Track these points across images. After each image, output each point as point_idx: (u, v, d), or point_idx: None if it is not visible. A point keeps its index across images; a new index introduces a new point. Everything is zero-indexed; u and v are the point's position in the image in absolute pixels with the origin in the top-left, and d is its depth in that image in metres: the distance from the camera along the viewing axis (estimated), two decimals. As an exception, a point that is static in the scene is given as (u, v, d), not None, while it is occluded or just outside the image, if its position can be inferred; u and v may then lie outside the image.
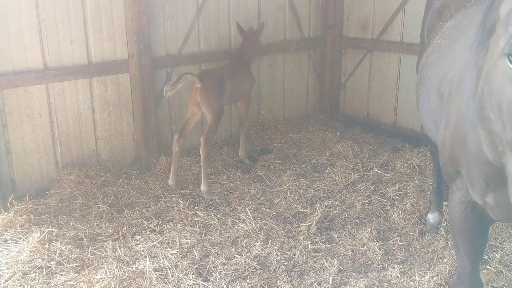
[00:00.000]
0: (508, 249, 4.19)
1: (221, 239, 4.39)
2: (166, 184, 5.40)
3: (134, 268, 3.90)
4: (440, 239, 4.37)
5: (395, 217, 4.77)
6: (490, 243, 4.26)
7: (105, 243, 4.26)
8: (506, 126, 1.76)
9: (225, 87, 5.47)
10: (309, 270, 3.97)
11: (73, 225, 4.55)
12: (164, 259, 4.04)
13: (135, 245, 4.27)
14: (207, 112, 5.31)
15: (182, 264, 3.98)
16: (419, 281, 3.79)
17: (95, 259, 4.05)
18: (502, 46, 1.74)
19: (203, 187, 5.25)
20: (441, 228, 4.53)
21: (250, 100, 6.13)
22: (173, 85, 4.96)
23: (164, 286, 3.72)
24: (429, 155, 5.79)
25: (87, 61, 5.32)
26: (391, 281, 3.84)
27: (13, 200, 4.82)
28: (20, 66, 4.88)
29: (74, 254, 4.08)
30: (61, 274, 3.84)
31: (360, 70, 7.40)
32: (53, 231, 4.36)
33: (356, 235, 4.47)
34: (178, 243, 4.27)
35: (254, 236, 4.41)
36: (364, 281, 3.79)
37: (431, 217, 4.64)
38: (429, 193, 5.03)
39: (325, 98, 7.74)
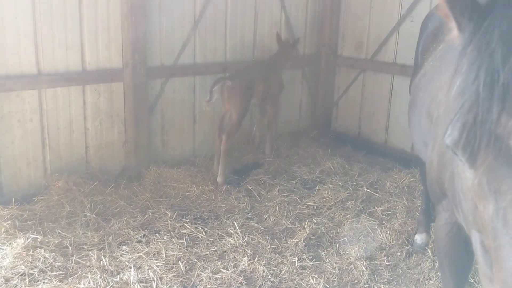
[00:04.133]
0: (494, 273, 4.18)
1: (207, 252, 4.35)
2: (155, 194, 5.37)
3: (118, 279, 3.86)
4: (427, 260, 4.38)
5: (383, 237, 4.77)
6: (477, 266, 4.25)
7: (90, 252, 4.21)
8: (467, 210, 1.70)
9: (255, 90, 5.96)
10: (295, 287, 3.95)
11: (59, 232, 4.49)
12: (149, 270, 4.00)
13: (121, 255, 4.23)
14: (233, 110, 5.81)
15: (167, 276, 3.94)
16: (404, 302, 3.78)
17: (79, 268, 4.00)
18: None
19: (219, 179, 5.72)
20: (428, 250, 4.53)
21: (278, 104, 6.70)
22: (209, 100, 5.57)
23: (148, 298, 3.68)
24: (418, 176, 5.81)
25: (81, 68, 5.32)
26: (377, 301, 3.82)
27: (-1, 205, 4.76)
28: (14, 70, 4.86)
29: (58, 262, 4.02)
30: (44, 282, 3.79)
31: (353, 89, 7.46)
32: (38, 238, 4.30)
33: (344, 253, 4.46)
34: (164, 255, 4.23)
35: (241, 250, 4.38)
36: (349, 300, 3.77)
37: (419, 238, 4.65)
38: (417, 214, 5.04)
39: (317, 115, 7.78)
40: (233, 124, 5.85)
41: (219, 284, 3.89)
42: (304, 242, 4.58)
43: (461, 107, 1.30)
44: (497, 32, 1.27)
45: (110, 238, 4.46)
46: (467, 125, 1.27)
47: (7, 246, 4.21)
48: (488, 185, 1.33)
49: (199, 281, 3.93)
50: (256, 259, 4.25)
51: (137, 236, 4.54)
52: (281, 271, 4.11)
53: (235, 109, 5.81)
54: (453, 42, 1.45)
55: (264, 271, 4.08)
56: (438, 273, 4.13)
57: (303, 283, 3.99)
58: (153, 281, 3.87)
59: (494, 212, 1.31)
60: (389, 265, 4.32)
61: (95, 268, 3.98)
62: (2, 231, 4.41)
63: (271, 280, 4.00)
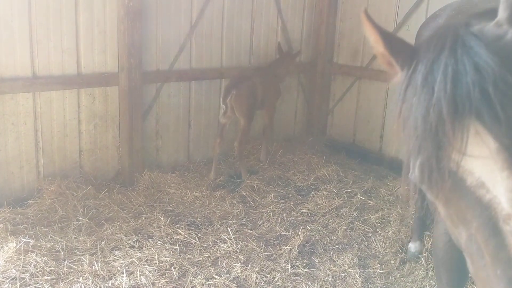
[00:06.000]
0: (487, 282, 4.18)
1: (200, 258, 4.33)
2: (148, 199, 5.35)
3: (110, 284, 3.82)
4: (421, 268, 4.37)
5: (377, 245, 4.76)
6: (470, 275, 4.25)
7: (82, 257, 4.18)
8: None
9: (257, 93, 6.05)
10: (288, 294, 3.93)
11: (51, 236, 4.46)
12: (141, 276, 3.97)
13: (113, 260, 4.20)
14: (241, 117, 5.90)
15: (159, 282, 3.92)
16: (397, 310, 3.77)
17: (71, 272, 3.97)
18: None
19: (243, 176, 6.06)
20: (422, 258, 4.53)
21: (275, 110, 6.76)
22: (225, 113, 5.84)
23: (140, 304, 3.65)
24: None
25: (76, 72, 5.30)
26: (370, 309, 3.81)
27: (-10, 208, 4.72)
28: (9, 73, 4.84)
29: (50, 267, 3.99)
30: (35, 287, 3.75)
31: (348, 97, 7.48)
32: (29, 241, 4.27)
33: (337, 260, 4.45)
34: (157, 261, 4.20)
35: (235, 257, 4.36)
36: (342, 308, 3.75)
37: (413, 246, 4.65)
38: (411, 222, 5.05)
39: (313, 122, 7.79)
40: (242, 131, 6.03)
41: (211, 291, 3.87)
42: (297, 249, 4.56)
43: (411, 150, 1.42)
44: (421, 76, 1.38)
45: (103, 243, 4.43)
46: (423, 165, 1.37)
47: (-2, 250, 4.17)
48: (456, 215, 1.41)
49: (192, 287, 3.91)
50: (249, 265, 4.23)
51: (130, 241, 4.51)
52: (274, 278, 4.10)
53: (242, 116, 5.94)
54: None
55: (257, 278, 4.06)
56: (431, 281, 4.12)
57: (296, 290, 3.97)
58: (145, 287, 3.84)
59: (467, 238, 1.39)
60: (382, 273, 4.32)
61: (87, 273, 3.95)
62: (-6, 234, 4.38)
63: (264, 287, 3.98)
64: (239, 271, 4.15)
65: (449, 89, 1.28)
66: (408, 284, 4.18)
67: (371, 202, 5.67)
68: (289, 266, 4.28)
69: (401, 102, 1.47)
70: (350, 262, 4.38)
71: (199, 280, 3.97)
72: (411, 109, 1.40)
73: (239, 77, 6.10)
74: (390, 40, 1.54)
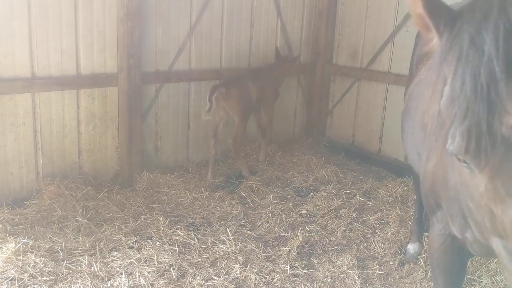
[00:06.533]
0: (485, 283, 4.19)
1: (199, 259, 4.33)
2: (147, 200, 5.35)
3: (109, 285, 3.82)
4: (419, 270, 4.37)
5: (376, 246, 4.76)
6: (468, 276, 4.26)
7: (81, 258, 4.17)
8: (483, 217, 1.63)
9: (250, 93, 6.05)
10: (287, 295, 3.93)
11: (50, 237, 4.45)
12: (140, 277, 3.97)
13: (112, 261, 4.19)
14: (234, 115, 5.93)
15: (158, 283, 3.91)
16: (396, 311, 3.76)
17: (70, 273, 3.96)
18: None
19: (244, 173, 6.14)
20: (421, 259, 4.53)
21: (273, 112, 6.76)
22: (209, 110, 5.66)
23: (138, 304, 3.64)
24: (411, 185, 5.82)
25: (75, 73, 5.30)
26: (369, 311, 3.81)
27: (-11, 209, 4.72)
28: (8, 73, 4.83)
29: (49, 267, 3.98)
30: (34, 288, 3.75)
31: (347, 98, 7.48)
32: (28, 242, 4.26)
33: (336, 262, 4.45)
34: (156, 262, 4.20)
35: (234, 258, 4.36)
36: (341, 309, 3.75)
37: (411, 248, 4.64)
38: (410, 223, 5.05)
39: (312, 123, 7.79)
40: (237, 129, 6.03)
41: (210, 292, 3.87)
42: (296, 250, 4.57)
43: (455, 115, 1.31)
44: (467, 36, 1.30)
45: (102, 243, 4.43)
46: (470, 131, 1.28)
47: (-3, 250, 4.16)
48: (504, 187, 1.31)
49: (191, 288, 3.91)
50: (248, 266, 4.23)
51: (128, 242, 4.50)
52: (273, 279, 4.09)
53: (235, 114, 5.95)
54: (434, 51, 1.47)
55: (256, 279, 4.06)
56: (430, 282, 4.12)
57: (295, 291, 3.97)
58: (144, 288, 3.84)
59: None
60: (381, 274, 4.31)
61: (85, 273, 3.95)
62: (-8, 235, 4.37)
63: (263, 288, 3.98)
64: (238, 272, 4.15)
65: (501, 47, 1.21)
66: (406, 285, 4.18)
67: (370, 203, 5.67)
68: (288, 267, 4.28)
69: (440, 67, 1.37)
70: (349, 263, 4.38)
71: (198, 281, 3.97)
72: (456, 71, 1.30)
73: (230, 78, 6.13)
74: (430, 0, 1.43)
